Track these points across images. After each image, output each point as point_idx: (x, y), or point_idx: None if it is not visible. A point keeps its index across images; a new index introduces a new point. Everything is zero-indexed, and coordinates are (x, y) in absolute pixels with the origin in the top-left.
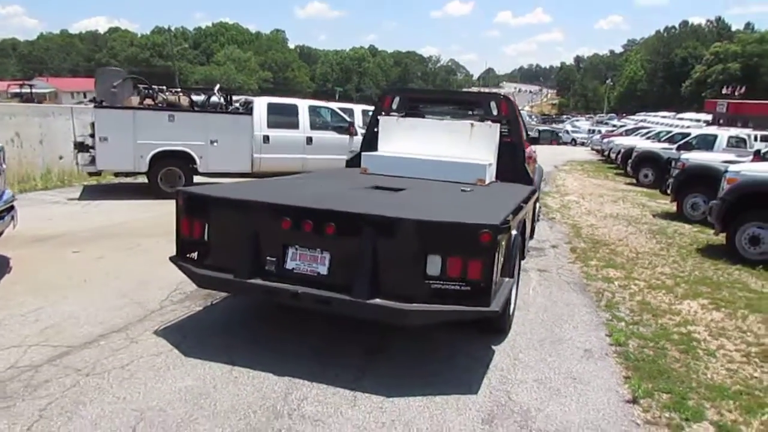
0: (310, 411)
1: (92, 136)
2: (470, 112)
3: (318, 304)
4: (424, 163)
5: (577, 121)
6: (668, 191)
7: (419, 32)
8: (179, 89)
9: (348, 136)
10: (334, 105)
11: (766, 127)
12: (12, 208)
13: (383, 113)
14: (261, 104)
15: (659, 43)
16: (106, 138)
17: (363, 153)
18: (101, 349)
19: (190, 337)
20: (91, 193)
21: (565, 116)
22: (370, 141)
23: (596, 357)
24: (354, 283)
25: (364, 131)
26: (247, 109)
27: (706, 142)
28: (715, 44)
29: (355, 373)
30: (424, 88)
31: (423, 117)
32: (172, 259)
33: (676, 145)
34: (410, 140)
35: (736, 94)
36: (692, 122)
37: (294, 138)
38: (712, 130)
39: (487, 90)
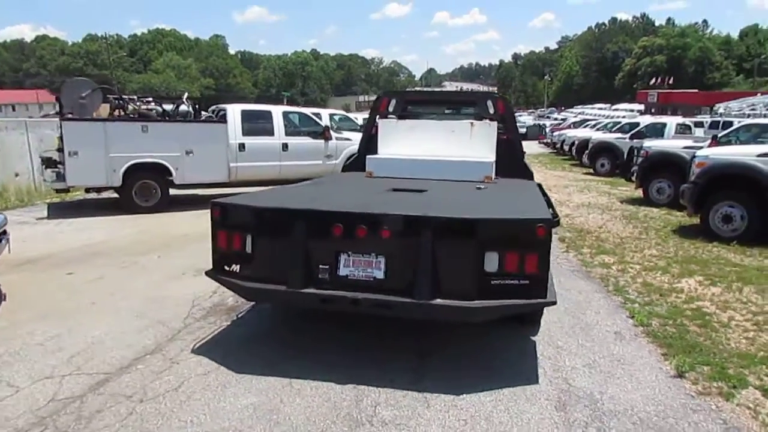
0: (388, 415)
1: (60, 150)
2: (459, 112)
3: (378, 309)
4: (431, 163)
5: (521, 116)
6: (633, 178)
7: (360, 35)
8: (150, 98)
9: (323, 141)
10: (307, 110)
11: (693, 114)
12: (5, 232)
13: (380, 116)
14: (235, 112)
15: (591, 38)
16: (75, 152)
17: (368, 156)
18: (142, 373)
19: (231, 352)
20: (59, 211)
21: None
22: (368, 144)
23: (628, 339)
24: (414, 284)
25: (338, 135)
26: (220, 117)
27: (656, 130)
28: (643, 38)
29: (413, 375)
30: (420, 90)
31: (417, 118)
32: (209, 273)
33: (628, 135)
34: (410, 142)
35: (665, 84)
36: (627, 112)
37: (270, 145)
38: (661, 119)
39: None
